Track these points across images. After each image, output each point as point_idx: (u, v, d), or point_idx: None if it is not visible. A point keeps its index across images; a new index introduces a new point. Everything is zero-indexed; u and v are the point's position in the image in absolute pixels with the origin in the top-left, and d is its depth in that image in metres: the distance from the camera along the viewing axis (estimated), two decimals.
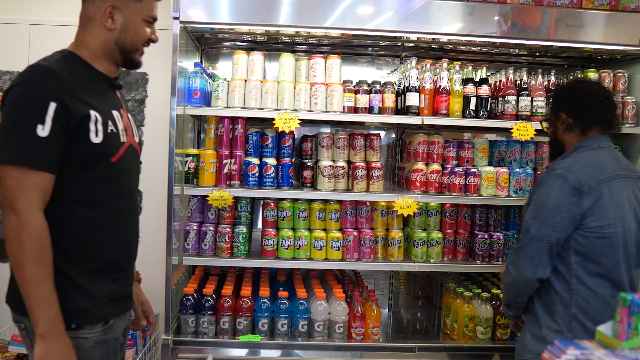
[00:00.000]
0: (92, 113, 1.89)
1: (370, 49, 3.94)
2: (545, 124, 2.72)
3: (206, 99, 3.33)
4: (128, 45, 2.06)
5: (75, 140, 1.86)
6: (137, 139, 2.18)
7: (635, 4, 3.25)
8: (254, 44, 3.84)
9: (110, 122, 1.97)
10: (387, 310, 3.86)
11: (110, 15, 2.00)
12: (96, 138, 1.90)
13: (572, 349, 1.53)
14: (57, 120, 1.79)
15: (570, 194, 2.30)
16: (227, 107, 3.27)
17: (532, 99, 3.42)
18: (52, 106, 1.79)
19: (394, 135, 4.01)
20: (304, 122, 3.28)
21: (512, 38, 3.29)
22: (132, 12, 2.03)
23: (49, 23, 3.95)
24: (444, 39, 3.41)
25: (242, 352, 3.11)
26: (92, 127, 1.88)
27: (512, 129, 3.29)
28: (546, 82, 3.50)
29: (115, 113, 2.03)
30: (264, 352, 3.13)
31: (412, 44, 3.71)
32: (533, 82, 3.46)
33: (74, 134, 1.85)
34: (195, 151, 3.31)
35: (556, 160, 2.53)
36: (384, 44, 3.76)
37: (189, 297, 3.23)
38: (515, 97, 3.40)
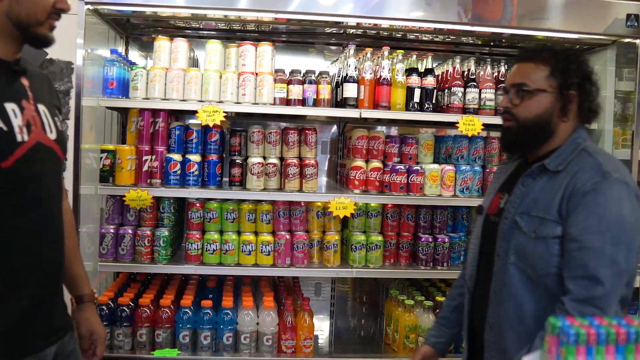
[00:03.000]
0: None
1: (310, 37, 3.66)
2: (516, 94, 1.95)
3: (124, 90, 3.04)
4: (23, 17, 1.65)
5: None
6: (52, 136, 1.78)
7: None
8: (181, 31, 3.52)
9: None
10: (329, 318, 3.60)
11: None
12: None
13: None
14: None
15: (638, 204, 1.80)
16: (146, 99, 2.98)
17: (480, 91, 3.17)
18: None
19: (337, 130, 3.75)
20: (234, 116, 3.00)
21: (461, 24, 3.03)
22: None
23: None
24: (386, 24, 3.14)
25: None
26: None
27: (458, 123, 3.04)
28: (495, 73, 3.27)
29: (9, 105, 1.64)
30: None
31: (354, 31, 3.43)
32: (482, 73, 3.22)
33: None
34: (111, 147, 3.01)
35: (560, 156, 1.90)
36: (329, 31, 3.47)
37: (103, 307, 2.93)
38: (462, 89, 3.15)
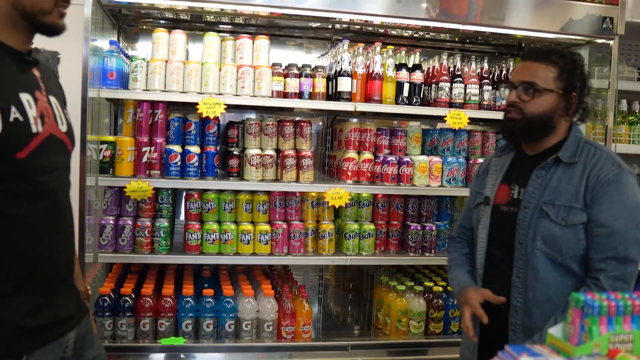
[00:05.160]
0: None
1: (299, 31, 3.75)
2: (525, 91, 2.11)
3: (123, 81, 3.05)
4: (29, 7, 1.61)
5: None
6: (63, 128, 1.77)
7: None
8: (176, 23, 3.55)
9: (14, 108, 1.57)
10: (317, 305, 3.71)
11: None
12: None
13: (525, 355, 1.43)
14: None
15: None
16: (147, 90, 3.01)
17: (465, 86, 3.34)
18: None
19: (321, 123, 3.85)
20: (230, 108, 3.06)
21: (444, 21, 3.19)
22: None
23: None
24: (376, 20, 3.27)
25: (163, 356, 2.87)
26: None
27: (445, 116, 3.20)
28: (479, 69, 3.44)
29: (25, 96, 1.61)
30: (189, 355, 2.91)
31: (344, 26, 3.53)
32: (466, 69, 3.39)
33: None
34: (112, 138, 3.03)
35: (568, 149, 2.10)
36: (315, 25, 3.56)
37: (105, 297, 2.95)
38: (448, 84, 3.31)
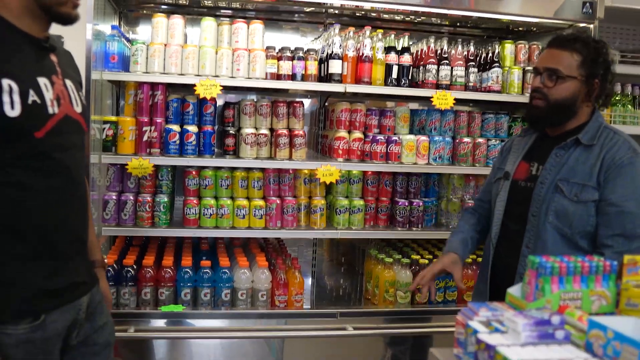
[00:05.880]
0: (5, 82, 1.66)
1: (295, 15, 3.89)
2: (549, 77, 2.29)
3: (124, 64, 3.21)
4: None
5: None
6: (78, 109, 1.94)
7: None
8: (175, 7, 3.71)
9: (32, 92, 1.73)
10: (311, 277, 3.89)
11: None
12: (12, 111, 1.67)
13: (484, 310, 1.61)
14: None
15: None
16: (147, 73, 3.17)
17: (452, 68, 3.48)
18: None
19: (317, 103, 4.01)
20: (225, 89, 3.22)
21: (434, 7, 3.35)
22: None
23: None
24: (367, 6, 3.41)
25: (164, 322, 3.07)
26: (5, 98, 1.66)
27: (432, 97, 3.35)
28: (465, 52, 3.57)
29: (42, 80, 1.78)
30: (187, 322, 3.10)
31: (336, 11, 3.68)
32: (453, 51, 3.53)
33: None
34: (114, 118, 3.20)
35: (589, 132, 2.28)
36: (308, 10, 3.71)
37: (109, 268, 3.13)
38: (435, 67, 3.45)
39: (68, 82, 1.92)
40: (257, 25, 3.29)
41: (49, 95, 1.79)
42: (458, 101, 3.44)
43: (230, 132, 3.34)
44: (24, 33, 1.79)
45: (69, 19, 1.87)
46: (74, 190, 1.94)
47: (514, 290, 1.77)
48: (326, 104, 3.88)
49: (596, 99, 2.33)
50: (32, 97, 1.73)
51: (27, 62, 1.78)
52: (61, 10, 1.82)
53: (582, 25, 3.45)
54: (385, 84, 3.40)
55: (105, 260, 2.38)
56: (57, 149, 1.83)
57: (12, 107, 1.68)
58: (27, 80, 1.74)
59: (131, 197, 3.23)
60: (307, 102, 3.96)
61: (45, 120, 1.77)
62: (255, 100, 3.40)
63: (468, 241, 2.62)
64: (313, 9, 3.66)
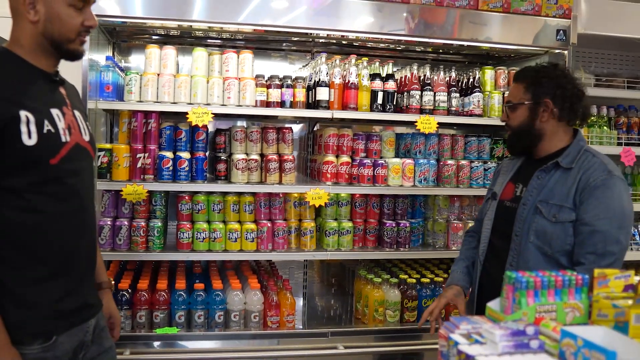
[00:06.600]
0: (23, 114, 1.78)
1: (283, 44, 4.03)
2: (507, 109, 2.52)
3: (119, 93, 3.32)
4: (57, 37, 1.90)
5: (5, 145, 1.77)
6: (86, 138, 2.05)
7: (525, 7, 3.52)
8: (167, 38, 3.84)
9: (46, 122, 1.84)
10: (302, 298, 3.98)
11: (31, 6, 1.85)
12: (29, 140, 1.79)
13: (465, 324, 1.70)
14: None
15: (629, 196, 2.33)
16: (140, 102, 3.28)
17: (434, 93, 3.62)
18: None
19: (306, 129, 4.13)
20: (217, 116, 3.33)
21: (417, 36, 3.50)
22: None
23: None
24: (352, 35, 3.56)
25: (158, 344, 3.14)
26: (23, 128, 1.78)
27: (416, 122, 3.48)
28: (448, 78, 3.71)
29: (54, 111, 1.91)
30: (182, 344, 3.17)
31: (322, 40, 3.83)
32: (436, 77, 3.67)
33: (2, 138, 1.76)
34: (108, 145, 3.30)
35: (569, 156, 2.38)
36: (295, 39, 3.86)
37: None
38: (419, 92, 3.59)
39: (77, 113, 2.06)
40: (247, 55, 3.42)
41: (61, 124, 1.91)
42: (441, 125, 3.58)
43: (222, 157, 3.45)
44: (37, 68, 1.92)
45: (77, 55, 2.01)
46: (84, 214, 2.04)
47: (493, 305, 1.87)
48: (314, 129, 4.00)
49: (568, 119, 2.43)
50: (47, 126, 1.85)
51: (41, 94, 1.90)
52: (70, 48, 1.96)
53: (557, 51, 3.61)
54: (371, 109, 3.53)
55: (112, 282, 2.46)
56: (69, 175, 1.95)
57: (30, 136, 1.79)
58: (42, 111, 1.86)
59: (126, 223, 3.31)
60: (296, 127, 4.09)
61: (59, 148, 1.89)
62: (245, 126, 3.51)
63: (470, 268, 2.75)
64: (300, 38, 3.80)
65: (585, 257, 2.26)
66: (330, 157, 3.56)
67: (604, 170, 2.31)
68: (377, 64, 3.67)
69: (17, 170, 1.81)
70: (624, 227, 2.26)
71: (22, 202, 1.83)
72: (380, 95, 3.54)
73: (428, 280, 3.58)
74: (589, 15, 3.62)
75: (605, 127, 3.99)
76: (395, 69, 3.85)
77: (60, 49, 1.95)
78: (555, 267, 2.34)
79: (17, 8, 1.88)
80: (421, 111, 3.59)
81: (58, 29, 1.90)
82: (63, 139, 1.91)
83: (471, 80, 3.76)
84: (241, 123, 3.85)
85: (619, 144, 3.99)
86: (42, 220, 1.88)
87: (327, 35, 3.59)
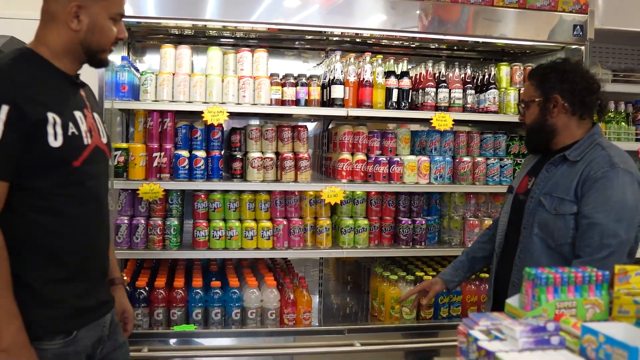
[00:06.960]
0: (50, 115, 1.80)
1: (297, 42, 4.03)
2: (521, 108, 2.56)
3: (134, 93, 3.33)
4: (94, 46, 1.95)
5: (32, 145, 1.78)
6: (104, 140, 2.08)
7: (541, 2, 3.49)
8: (181, 38, 3.85)
9: (71, 124, 1.87)
10: (318, 296, 3.99)
11: (76, 15, 1.88)
12: (55, 142, 1.81)
13: (484, 320, 1.70)
14: (10, 124, 1.72)
15: (639, 190, 2.27)
16: (156, 101, 3.29)
17: (450, 90, 3.60)
18: (5, 109, 1.71)
19: (320, 127, 4.13)
20: (232, 115, 3.35)
21: (431, 33, 3.49)
22: (99, 11, 1.91)
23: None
24: (366, 33, 3.55)
25: (176, 341, 3.16)
26: (50, 130, 1.80)
27: (431, 119, 3.47)
28: (463, 75, 3.70)
29: (77, 114, 1.93)
30: (198, 341, 3.19)
31: (336, 38, 3.82)
32: (451, 74, 3.65)
33: (30, 139, 1.77)
34: (125, 145, 3.32)
35: (578, 149, 2.37)
36: (309, 37, 3.86)
37: None
38: (434, 89, 3.58)
39: (96, 115, 2.09)
40: (261, 54, 3.43)
41: (83, 127, 1.94)
42: (457, 122, 3.56)
43: (237, 156, 3.46)
44: (60, 71, 1.94)
45: (105, 64, 2.07)
46: (101, 216, 2.08)
47: (512, 301, 1.87)
48: (329, 127, 4.00)
49: (581, 113, 2.41)
50: (72, 129, 1.88)
51: (65, 97, 1.93)
52: (102, 57, 2.02)
53: (574, 47, 3.58)
54: (386, 107, 3.53)
55: (125, 278, 2.49)
56: (89, 177, 1.98)
57: (55, 138, 1.82)
58: (66, 114, 1.88)
59: (142, 221, 3.33)
60: (310, 126, 4.09)
61: (82, 150, 1.92)
62: (260, 125, 3.52)
63: (465, 263, 2.85)
64: (314, 36, 3.80)
65: (583, 249, 2.25)
66: (346, 155, 3.56)
67: (607, 162, 2.28)
68: (392, 61, 3.66)
69: (42, 171, 1.83)
70: (624, 219, 2.21)
71: (45, 204, 1.85)
72: (395, 92, 3.54)
73: None
74: (606, 10, 3.59)
75: (623, 123, 3.95)
76: (409, 67, 3.84)
77: (93, 58, 2.00)
78: (558, 259, 2.34)
79: (56, 14, 1.90)
80: (436, 108, 3.57)
81: (97, 40, 1.95)
82: (85, 142, 1.94)
83: (486, 77, 3.74)
84: (256, 122, 3.86)
85: (638, 140, 3.95)
86: (64, 223, 1.90)
87: (341, 33, 3.59)
